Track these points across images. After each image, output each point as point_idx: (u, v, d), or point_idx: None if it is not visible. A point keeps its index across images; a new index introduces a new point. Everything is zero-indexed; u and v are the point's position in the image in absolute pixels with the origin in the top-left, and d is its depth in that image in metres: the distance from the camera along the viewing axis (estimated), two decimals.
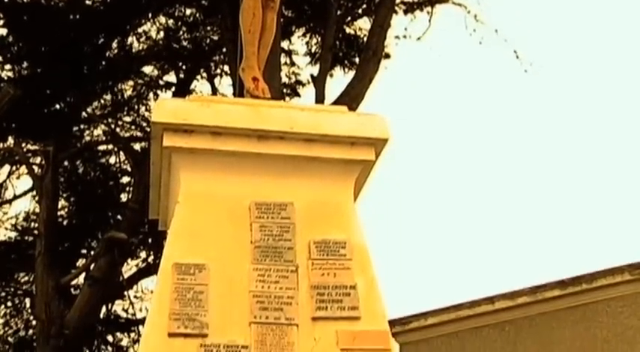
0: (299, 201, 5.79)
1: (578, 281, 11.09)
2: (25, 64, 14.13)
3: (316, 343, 5.32)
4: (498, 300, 11.49)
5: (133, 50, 15.37)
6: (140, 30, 15.44)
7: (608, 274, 10.94)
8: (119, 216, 15.08)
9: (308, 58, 16.62)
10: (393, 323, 6.80)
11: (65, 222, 15.31)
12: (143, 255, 15.55)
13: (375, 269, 5.71)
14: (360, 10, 16.65)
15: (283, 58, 15.43)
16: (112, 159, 16.00)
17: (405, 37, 16.65)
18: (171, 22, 15.79)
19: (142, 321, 12.72)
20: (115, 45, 15.07)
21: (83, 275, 14.17)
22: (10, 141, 14.57)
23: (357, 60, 15.74)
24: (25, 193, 15.48)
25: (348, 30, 16.61)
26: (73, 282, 14.59)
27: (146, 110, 15.25)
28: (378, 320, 5.49)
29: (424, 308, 12.17)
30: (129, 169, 15.35)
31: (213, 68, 16.29)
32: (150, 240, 14.91)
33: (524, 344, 11.10)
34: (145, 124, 14.94)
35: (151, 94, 15.70)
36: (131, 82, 15.55)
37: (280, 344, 5.26)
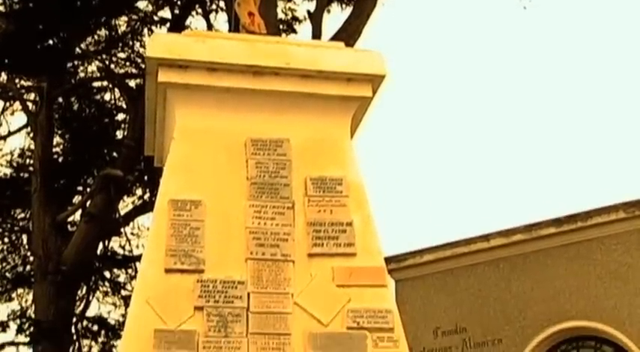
0: (295, 138, 5.76)
1: (573, 219, 11.13)
2: None
3: (312, 279, 5.35)
4: (493, 238, 11.55)
5: None
6: None
7: (602, 212, 10.98)
8: (115, 153, 15.04)
9: None
10: (388, 260, 6.83)
11: (61, 159, 15.27)
12: (139, 192, 15.56)
13: (371, 207, 5.71)
14: None
15: None
16: (107, 96, 15.90)
17: None
18: None
19: (139, 258, 12.79)
20: None
21: (79, 212, 14.20)
22: (3, 76, 14.46)
23: None
24: (19, 130, 15.42)
25: None
26: (70, 219, 14.63)
27: (141, 46, 15.11)
28: (374, 257, 5.51)
29: (420, 245, 12.25)
30: (124, 106, 15.26)
31: (208, 3, 16.10)
32: (146, 178, 14.90)
33: (519, 281, 11.18)
34: (139, 60, 14.81)
35: (146, 30, 15.52)
36: (125, 18, 15.38)
37: (276, 280, 5.28)
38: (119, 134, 15.57)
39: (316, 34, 13.99)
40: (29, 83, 14.85)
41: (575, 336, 10.79)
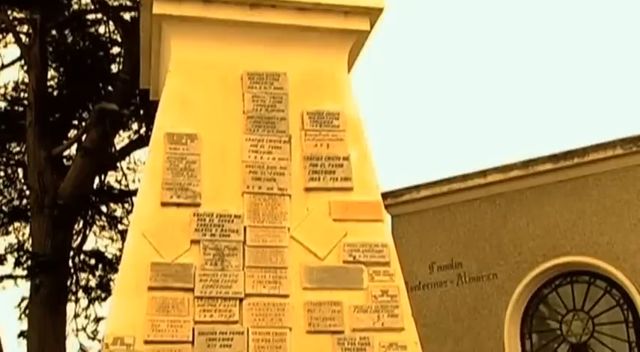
0: (292, 72, 5.71)
1: (570, 155, 11.10)
2: None
3: (309, 213, 5.35)
4: (490, 174, 11.54)
5: None
6: None
7: (599, 148, 10.95)
8: (110, 87, 14.94)
9: None
10: (385, 195, 6.83)
11: (55, 93, 15.16)
12: (135, 126, 15.49)
13: (368, 141, 5.68)
14: None
15: None
16: (102, 29, 15.70)
17: None
18: None
19: (135, 192, 12.78)
20: None
21: (75, 146, 14.17)
22: None
23: None
24: (13, 63, 15.26)
25: None
26: (66, 153, 14.60)
27: None
28: (371, 192, 5.50)
29: (416, 180, 12.25)
30: (119, 39, 15.10)
31: None
32: (142, 112, 14.82)
33: (515, 216, 11.21)
34: None
35: None
36: None
37: (273, 213, 5.28)
38: (114, 68, 15.44)
39: None
40: (22, 15, 14.66)
41: (570, 271, 10.86)
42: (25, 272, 13.74)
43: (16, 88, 15.62)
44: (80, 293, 15.00)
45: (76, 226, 14.70)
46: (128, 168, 15.71)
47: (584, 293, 10.95)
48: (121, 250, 14.12)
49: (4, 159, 15.85)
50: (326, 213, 5.36)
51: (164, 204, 5.17)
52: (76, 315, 14.80)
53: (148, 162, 5.52)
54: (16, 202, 15.75)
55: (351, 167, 5.50)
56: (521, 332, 11.16)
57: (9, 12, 14.59)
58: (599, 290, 10.85)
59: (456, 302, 11.47)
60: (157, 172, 5.25)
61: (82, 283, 15.10)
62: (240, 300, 5.02)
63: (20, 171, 15.62)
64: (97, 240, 15.75)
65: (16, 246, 15.06)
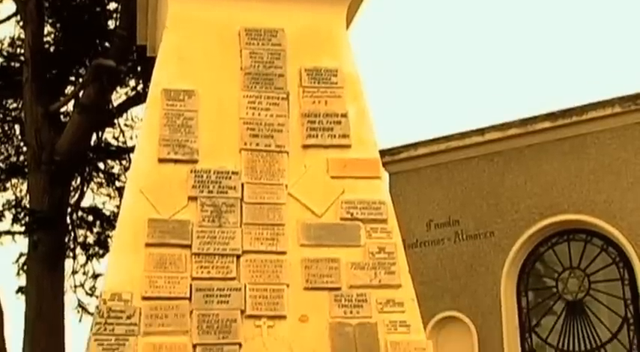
0: (290, 28, 5.66)
1: (568, 113, 11.05)
2: None
3: (306, 170, 5.34)
4: (488, 132, 11.50)
5: None
6: None
7: (598, 106, 10.90)
8: (107, 43, 14.82)
9: None
10: (383, 153, 6.82)
11: (52, 49, 15.05)
12: (132, 83, 15.39)
13: (367, 98, 5.66)
14: None
15: None
16: None
17: None
18: None
19: (133, 149, 12.76)
20: None
21: (72, 102, 14.09)
22: None
23: None
24: (8, 18, 15.12)
25: None
26: (63, 110, 14.50)
27: None
28: (369, 149, 5.49)
29: (415, 138, 12.21)
30: None
31: None
32: (139, 68, 14.71)
33: (512, 174, 11.19)
34: None
35: None
36: None
37: (270, 170, 5.27)
38: (111, 24, 15.29)
39: None
40: None
41: (567, 229, 10.87)
42: (22, 229, 13.76)
43: (12, 44, 15.49)
44: (78, 250, 15.02)
45: (73, 183, 14.68)
46: (126, 125, 15.65)
47: (581, 251, 10.99)
48: (118, 207, 14.12)
49: (1, 116, 15.79)
50: (324, 170, 5.35)
51: (161, 161, 5.16)
52: (74, 272, 14.84)
53: (145, 118, 5.50)
54: (13, 159, 15.71)
55: (349, 124, 5.48)
56: (518, 289, 11.21)
57: None
58: (596, 248, 10.89)
59: (453, 259, 11.51)
60: (155, 129, 5.23)
61: (80, 240, 15.12)
62: (238, 257, 5.03)
63: (17, 127, 15.56)
64: (94, 196, 15.74)
65: (13, 203, 15.06)
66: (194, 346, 4.80)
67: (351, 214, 5.27)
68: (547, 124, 11.32)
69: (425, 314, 5.50)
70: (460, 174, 11.80)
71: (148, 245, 4.94)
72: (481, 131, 11.76)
